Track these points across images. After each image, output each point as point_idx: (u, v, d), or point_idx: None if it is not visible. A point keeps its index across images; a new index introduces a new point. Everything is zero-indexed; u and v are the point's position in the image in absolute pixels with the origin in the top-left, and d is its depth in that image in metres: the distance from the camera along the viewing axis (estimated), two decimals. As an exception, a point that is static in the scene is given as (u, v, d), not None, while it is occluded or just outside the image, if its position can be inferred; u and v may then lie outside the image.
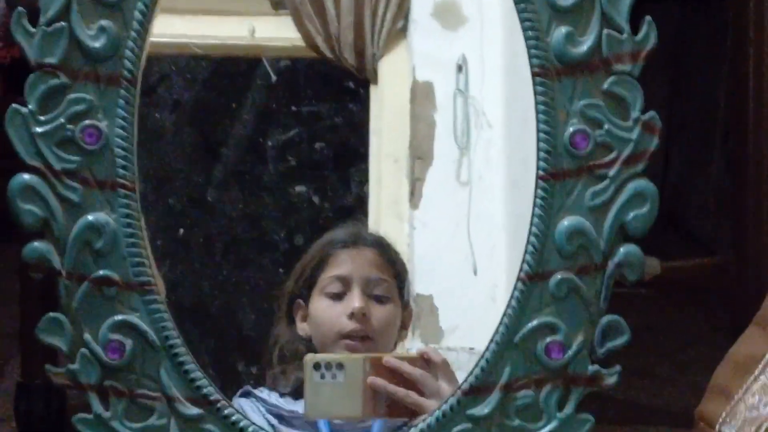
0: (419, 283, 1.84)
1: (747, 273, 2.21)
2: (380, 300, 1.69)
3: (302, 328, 1.71)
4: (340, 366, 1.53)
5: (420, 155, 1.84)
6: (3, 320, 2.97)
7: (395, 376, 1.54)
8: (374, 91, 1.84)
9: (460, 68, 1.83)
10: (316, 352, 1.66)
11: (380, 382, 1.54)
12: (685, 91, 4.10)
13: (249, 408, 1.68)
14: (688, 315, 3.04)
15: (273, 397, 1.69)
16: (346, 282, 1.69)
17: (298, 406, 1.66)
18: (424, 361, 1.56)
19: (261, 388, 1.71)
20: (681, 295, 2.80)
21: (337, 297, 1.68)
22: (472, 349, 1.65)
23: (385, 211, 1.83)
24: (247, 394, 1.70)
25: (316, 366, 1.53)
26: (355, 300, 1.67)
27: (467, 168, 1.83)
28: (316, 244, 1.73)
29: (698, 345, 2.84)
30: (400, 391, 1.54)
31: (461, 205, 1.81)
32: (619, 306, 1.56)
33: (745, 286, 2.16)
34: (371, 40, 1.81)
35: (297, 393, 1.66)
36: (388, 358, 1.55)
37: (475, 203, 1.81)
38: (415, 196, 1.84)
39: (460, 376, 1.57)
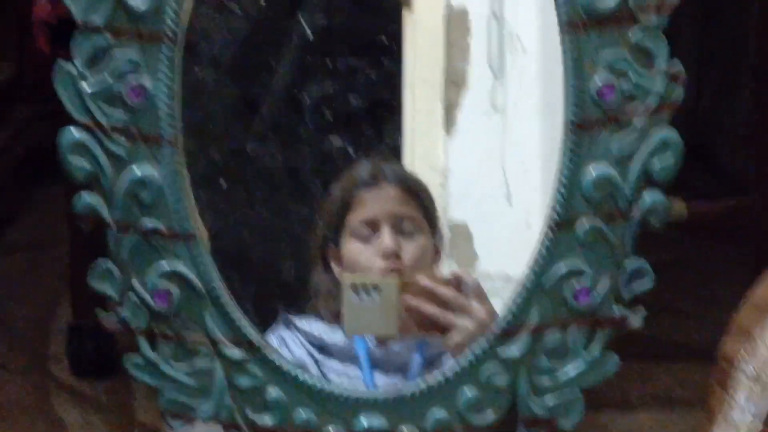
0: (454, 211, 1.84)
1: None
2: (410, 235, 1.70)
3: (338, 271, 1.73)
4: (376, 287, 1.58)
5: (455, 81, 1.83)
6: (53, 261, 2.98)
7: (429, 296, 1.58)
8: (409, 17, 1.83)
9: (494, -8, 1.82)
10: None
11: (414, 301, 1.58)
12: (716, 25, 4.09)
13: (290, 340, 1.71)
14: (713, 251, 3.04)
15: (314, 327, 1.72)
16: (373, 223, 1.70)
17: (339, 337, 1.70)
18: (456, 282, 1.60)
19: (301, 318, 1.73)
20: (707, 232, 2.81)
21: (367, 238, 1.70)
22: (507, 275, 1.68)
23: (420, 139, 1.83)
24: (287, 323, 1.73)
25: (354, 287, 1.58)
26: (385, 240, 1.69)
27: (502, 94, 1.82)
28: (339, 185, 1.74)
29: (723, 281, 2.84)
30: (433, 310, 1.58)
31: (496, 131, 1.81)
32: (645, 243, 1.59)
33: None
34: (407, -36, 1.79)
35: (337, 320, 1.68)
36: (422, 279, 1.59)
37: (510, 129, 1.80)
38: (449, 122, 1.83)
39: (495, 302, 1.61)
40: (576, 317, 1.59)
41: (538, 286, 1.58)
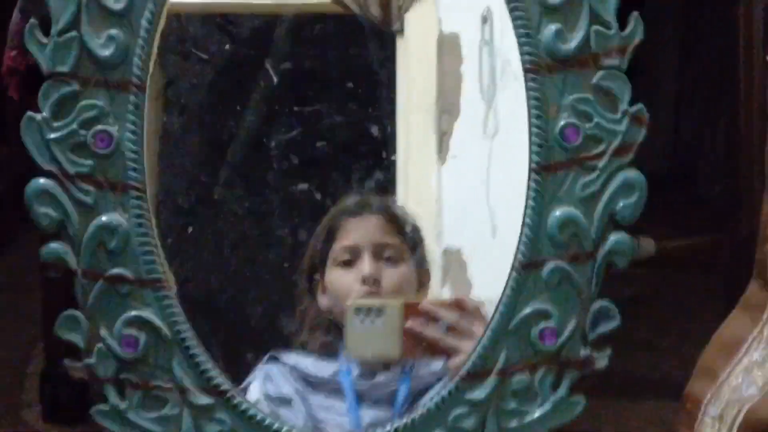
0: (448, 237, 1.86)
1: (742, 249, 2.25)
2: (392, 263, 1.72)
3: (322, 301, 1.75)
4: (379, 311, 1.59)
5: (447, 109, 1.84)
6: (27, 306, 2.96)
7: (431, 320, 1.60)
8: (400, 45, 1.85)
9: (485, 19, 1.83)
10: (336, 322, 1.70)
11: (417, 326, 1.59)
12: (695, 53, 4.11)
13: (278, 373, 1.71)
14: (686, 287, 3.04)
15: (300, 362, 1.72)
16: (355, 250, 1.72)
17: (324, 370, 1.71)
18: (458, 306, 1.61)
19: (288, 353, 1.74)
20: (681, 267, 2.81)
21: (349, 264, 1.72)
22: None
23: (413, 167, 1.84)
24: (274, 359, 1.73)
25: (357, 311, 1.60)
26: (365, 266, 1.70)
27: (493, 121, 1.83)
28: (325, 218, 1.76)
29: (697, 317, 2.84)
30: (436, 335, 1.60)
31: (488, 158, 1.82)
32: (618, 279, 1.61)
33: (740, 263, 2.20)
34: (397, -8, 1.81)
35: (325, 353, 1.71)
36: (424, 304, 1.61)
37: (502, 156, 1.82)
38: (442, 150, 1.84)
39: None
40: (543, 358, 1.59)
41: (505, 328, 1.59)
